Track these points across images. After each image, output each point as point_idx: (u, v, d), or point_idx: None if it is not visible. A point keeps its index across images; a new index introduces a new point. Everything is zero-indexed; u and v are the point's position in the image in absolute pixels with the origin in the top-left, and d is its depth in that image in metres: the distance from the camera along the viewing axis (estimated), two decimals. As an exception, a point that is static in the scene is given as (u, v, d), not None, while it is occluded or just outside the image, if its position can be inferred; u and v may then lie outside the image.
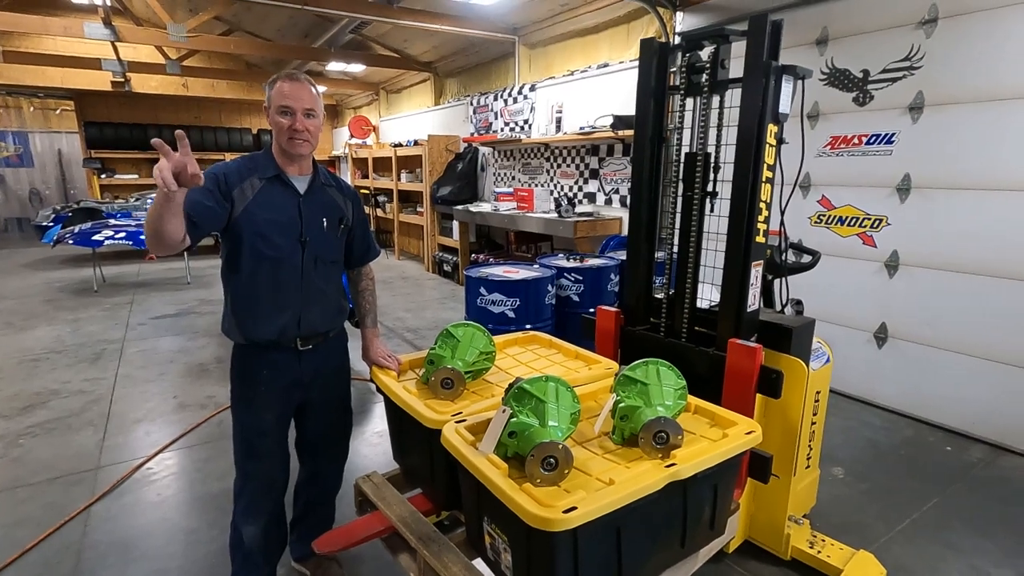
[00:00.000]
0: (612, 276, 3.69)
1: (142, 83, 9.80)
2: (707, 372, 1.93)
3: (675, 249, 2.18)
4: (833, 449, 2.94)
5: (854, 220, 3.58)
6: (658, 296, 2.25)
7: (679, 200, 2.12)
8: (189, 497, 2.59)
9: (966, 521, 2.42)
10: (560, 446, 1.27)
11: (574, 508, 1.14)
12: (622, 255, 4.22)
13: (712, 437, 1.50)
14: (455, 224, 7.15)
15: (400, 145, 8.35)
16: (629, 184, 4.33)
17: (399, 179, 8.50)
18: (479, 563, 1.53)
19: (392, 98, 10.21)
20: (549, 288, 3.41)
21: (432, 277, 7.69)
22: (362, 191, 10.10)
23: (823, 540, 2.16)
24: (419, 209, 8.17)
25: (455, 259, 7.27)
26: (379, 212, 9.44)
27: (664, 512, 1.35)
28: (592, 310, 2.38)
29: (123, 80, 9.45)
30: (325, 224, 1.74)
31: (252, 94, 10.95)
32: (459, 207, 6.81)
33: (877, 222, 3.47)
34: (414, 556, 1.61)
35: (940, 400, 3.27)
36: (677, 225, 2.14)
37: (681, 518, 1.40)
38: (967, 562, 2.17)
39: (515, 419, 1.35)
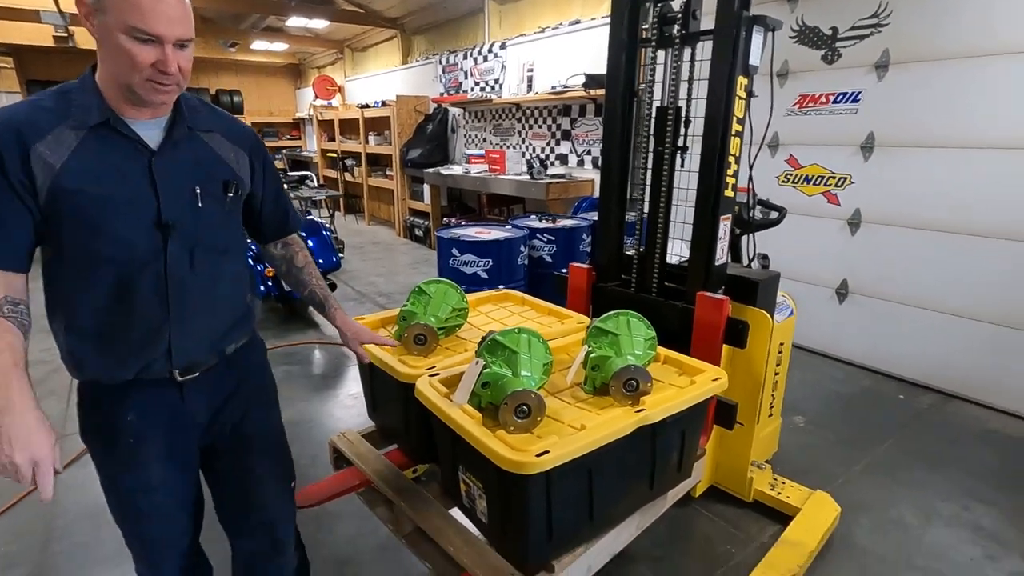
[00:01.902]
0: (584, 236, 3.71)
1: (88, 39, 9.18)
2: (677, 325, 1.97)
3: (646, 207, 2.19)
4: (796, 400, 3.06)
5: (820, 179, 3.64)
6: (629, 253, 2.27)
7: (650, 156, 2.12)
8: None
9: (915, 461, 2.57)
10: (533, 394, 1.29)
11: (546, 452, 1.16)
12: (594, 216, 4.24)
13: (680, 385, 1.55)
14: (426, 188, 7.03)
15: (367, 106, 8.09)
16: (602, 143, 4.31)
17: (367, 142, 8.27)
18: (455, 512, 1.56)
19: (358, 57, 9.84)
20: (522, 248, 3.41)
21: (404, 242, 7.60)
22: (329, 155, 9.83)
23: (783, 483, 2.27)
24: (388, 173, 8.00)
25: (426, 223, 7.19)
26: (348, 176, 9.22)
27: (634, 456, 1.40)
28: (565, 269, 2.39)
29: (66, 35, 8.84)
30: (199, 193, 1.12)
31: (208, 51, 10.42)
32: (430, 170, 6.69)
33: (842, 180, 3.54)
34: (391, 508, 1.65)
35: (896, 352, 3.43)
36: (648, 181, 2.15)
37: (650, 461, 1.45)
38: (915, 497, 2.32)
39: (488, 370, 1.36)
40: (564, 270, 2.39)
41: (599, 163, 4.95)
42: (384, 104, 7.64)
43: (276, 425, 1.40)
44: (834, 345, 3.73)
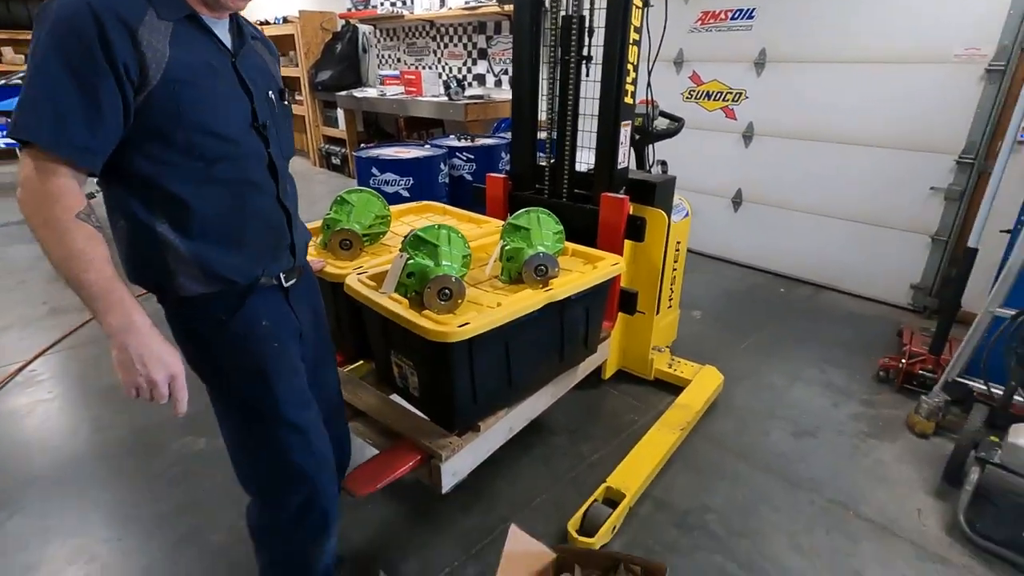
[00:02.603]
0: (503, 154, 3.80)
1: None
2: (585, 225, 2.17)
3: (556, 117, 2.31)
4: (694, 297, 3.44)
5: (719, 95, 3.90)
6: (542, 164, 2.41)
7: (558, 67, 2.22)
8: (85, 391, 2.54)
9: (788, 340, 3.03)
10: (453, 278, 1.44)
11: (467, 323, 1.34)
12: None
13: (584, 271, 1.76)
14: (340, 112, 6.74)
15: (267, 23, 7.45)
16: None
17: (271, 63, 7.69)
18: (393, 398, 1.73)
19: (251, -34, 8.90)
20: (442, 167, 3.47)
21: (320, 171, 7.32)
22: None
23: (679, 362, 2.63)
24: (297, 97, 7.53)
25: (343, 151, 6.94)
26: (252, 102, 8.56)
27: (544, 329, 1.61)
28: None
29: None
30: (274, 98, 1.11)
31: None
32: (342, 93, 6.39)
33: (738, 96, 3.81)
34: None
35: (780, 253, 3.88)
36: (556, 93, 2.26)
37: (559, 335, 1.67)
38: (784, 366, 2.76)
39: (412, 261, 1.50)
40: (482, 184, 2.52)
41: (516, 83, 4.97)
42: (286, 20, 7.08)
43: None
44: (729, 249, 4.15)
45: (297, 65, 7.12)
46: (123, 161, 0.92)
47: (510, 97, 2.37)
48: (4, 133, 5.41)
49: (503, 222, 2.17)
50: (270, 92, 1.10)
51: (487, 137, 4.09)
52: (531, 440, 2.19)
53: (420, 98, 5.47)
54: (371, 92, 6.18)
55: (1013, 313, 1.94)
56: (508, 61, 5.12)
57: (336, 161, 7.14)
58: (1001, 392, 1.99)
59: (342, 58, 6.69)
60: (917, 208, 3.23)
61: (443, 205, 2.37)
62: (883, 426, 2.32)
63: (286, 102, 1.18)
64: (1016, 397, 2.00)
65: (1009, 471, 1.71)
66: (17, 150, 0.87)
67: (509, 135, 4.20)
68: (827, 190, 3.55)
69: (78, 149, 0.85)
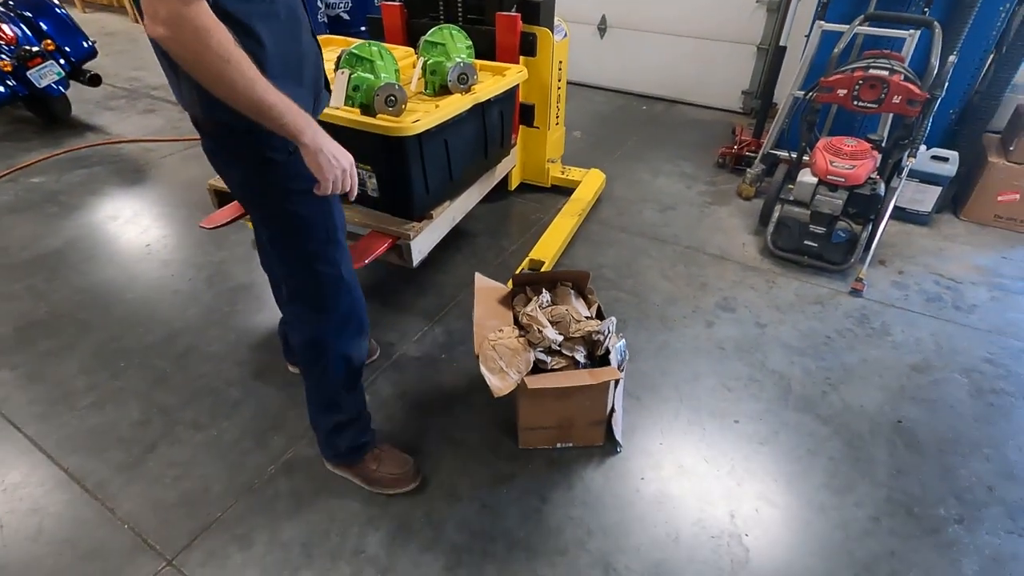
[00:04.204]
0: (378, -10, 3.70)
1: None
2: (483, 45, 2.42)
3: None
4: (573, 121, 3.88)
5: (579, -84, 4.01)
6: (432, -10, 2.54)
7: None
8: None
9: (649, 145, 3.64)
10: (397, 86, 1.70)
11: (418, 120, 1.64)
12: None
13: (496, 79, 2.07)
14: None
15: None
16: None
17: None
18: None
19: None
20: (319, 5, 3.36)
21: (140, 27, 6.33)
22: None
23: (570, 169, 3.12)
24: (91, -66, 6.18)
25: None
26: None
27: (472, 128, 1.95)
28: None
29: None
30: None
31: None
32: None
33: (596, -83, 3.96)
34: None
35: (639, 74, 4.38)
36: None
37: (483, 134, 2.03)
38: (649, 165, 3.38)
39: (355, 75, 1.72)
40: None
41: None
42: None
43: None
44: (598, 76, 4.57)
45: None
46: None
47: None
48: None
49: (410, 48, 2.37)
50: None
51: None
52: (460, 243, 2.62)
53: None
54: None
55: (804, 92, 2.61)
56: None
57: (165, 15, 6.18)
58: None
59: None
60: (745, 21, 3.81)
61: (343, 38, 2.46)
62: (721, 196, 3.06)
63: None
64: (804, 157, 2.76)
65: (796, 203, 2.47)
66: None
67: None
68: (675, 9, 4.00)
69: None
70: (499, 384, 1.47)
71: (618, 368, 1.53)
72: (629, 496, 1.57)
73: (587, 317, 1.70)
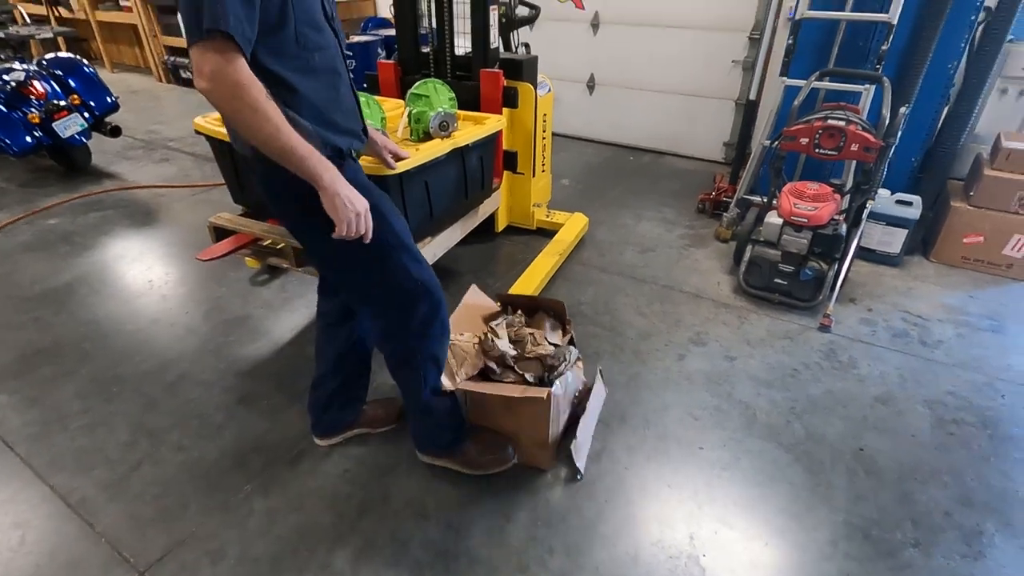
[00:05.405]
0: (380, 51, 4.02)
1: None
2: (468, 98, 2.63)
3: (434, 7, 2.67)
4: (563, 170, 4.09)
5: (568, -13, 4.37)
6: (426, 51, 2.78)
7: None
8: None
9: (634, 194, 3.81)
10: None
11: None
12: (384, 32, 4.50)
13: (476, 127, 2.26)
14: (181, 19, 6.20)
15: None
16: (378, -43, 4.40)
17: (81, -38, 6.71)
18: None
19: None
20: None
21: (169, 88, 6.78)
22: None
23: (554, 213, 3.29)
24: (123, 3, 6.73)
25: (195, 62, 6.46)
26: (62, 12, 7.44)
27: (452, 171, 2.11)
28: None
29: None
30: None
31: None
32: (183, -4, 5.88)
33: (583, -13, 4.31)
34: (282, 253, 2.17)
35: (628, 128, 4.63)
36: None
37: (463, 177, 2.19)
38: (632, 212, 3.54)
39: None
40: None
41: (377, -20, 5.00)
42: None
43: None
44: (587, 130, 4.83)
45: (118, -36, 6.33)
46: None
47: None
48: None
49: (401, 101, 2.58)
50: None
51: (361, 34, 4.24)
52: (447, 281, 2.74)
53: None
54: (218, -6, 5.76)
55: (770, 141, 2.78)
56: (366, -44, 5.10)
57: (187, 75, 6.64)
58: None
59: (174, -45, 6.07)
60: (724, 79, 4.07)
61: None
62: (699, 239, 3.19)
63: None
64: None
65: (766, 243, 2.59)
66: (190, 49, 0.99)
67: (381, 32, 4.39)
68: (660, 69, 4.28)
69: (247, 40, 1.00)
70: (446, 382, 1.58)
71: (567, 397, 1.60)
72: (592, 517, 1.61)
73: (554, 344, 1.79)
